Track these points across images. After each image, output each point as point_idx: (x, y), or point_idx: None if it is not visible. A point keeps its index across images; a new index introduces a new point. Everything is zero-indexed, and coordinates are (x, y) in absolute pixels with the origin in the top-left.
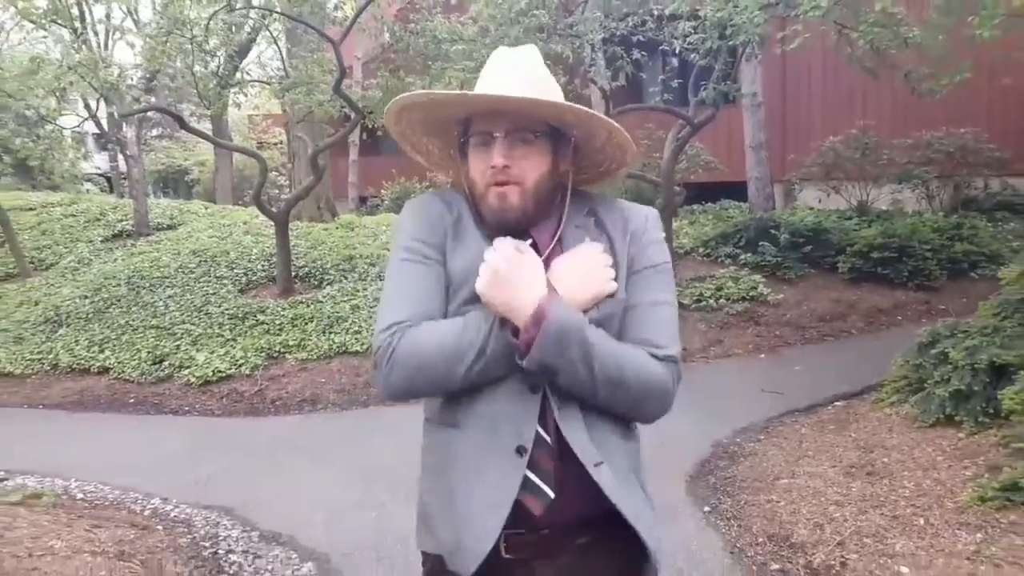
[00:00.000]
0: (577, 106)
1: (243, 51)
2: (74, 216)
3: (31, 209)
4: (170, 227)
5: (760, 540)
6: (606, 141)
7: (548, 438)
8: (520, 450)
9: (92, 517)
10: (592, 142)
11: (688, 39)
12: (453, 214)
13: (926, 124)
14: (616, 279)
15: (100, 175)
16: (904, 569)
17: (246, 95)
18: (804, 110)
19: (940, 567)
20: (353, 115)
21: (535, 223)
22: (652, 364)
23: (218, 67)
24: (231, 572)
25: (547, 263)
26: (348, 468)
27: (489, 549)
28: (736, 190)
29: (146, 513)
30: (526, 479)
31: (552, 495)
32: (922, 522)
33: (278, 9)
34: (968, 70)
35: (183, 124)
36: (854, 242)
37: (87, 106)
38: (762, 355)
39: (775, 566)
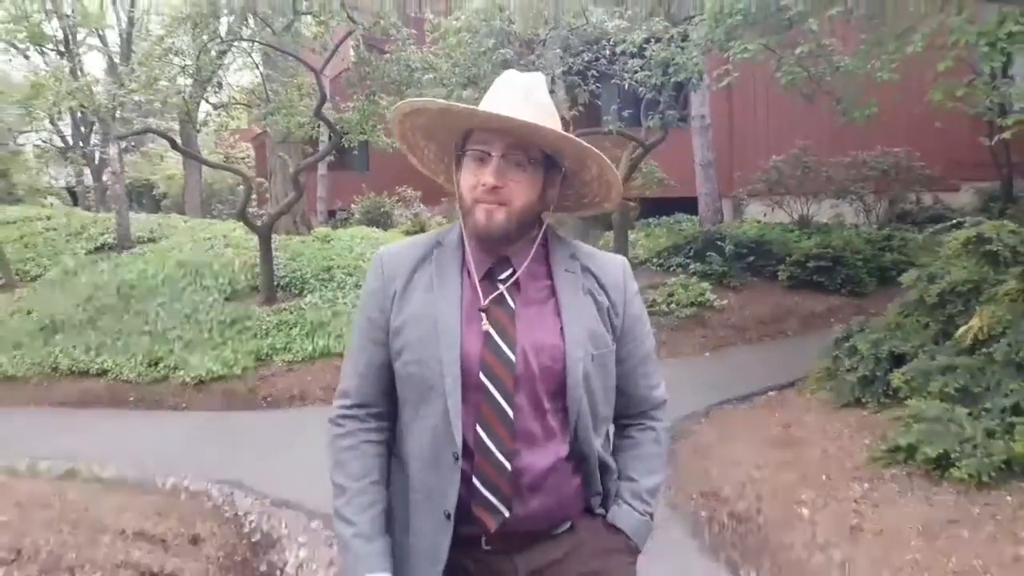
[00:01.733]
0: (576, 139)
1: (206, 80)
2: (55, 230)
3: (12, 222)
4: (151, 240)
5: (694, 497)
6: (596, 176)
7: (504, 460)
8: (447, 515)
9: (123, 490)
10: (582, 175)
11: (635, 75)
12: (423, 266)
13: (862, 144)
14: (608, 325)
15: (64, 189)
16: (804, 511)
17: (232, 117)
18: (750, 131)
19: (832, 508)
20: (331, 134)
21: (513, 244)
22: (664, 439)
23: (205, 91)
24: (252, 528)
25: (531, 299)
26: None
27: None
28: (688, 205)
29: (168, 487)
30: (483, 498)
31: (506, 515)
32: (824, 478)
33: (266, 42)
34: (875, 106)
35: (174, 145)
36: (793, 253)
37: (52, 121)
38: (707, 354)
39: (704, 514)
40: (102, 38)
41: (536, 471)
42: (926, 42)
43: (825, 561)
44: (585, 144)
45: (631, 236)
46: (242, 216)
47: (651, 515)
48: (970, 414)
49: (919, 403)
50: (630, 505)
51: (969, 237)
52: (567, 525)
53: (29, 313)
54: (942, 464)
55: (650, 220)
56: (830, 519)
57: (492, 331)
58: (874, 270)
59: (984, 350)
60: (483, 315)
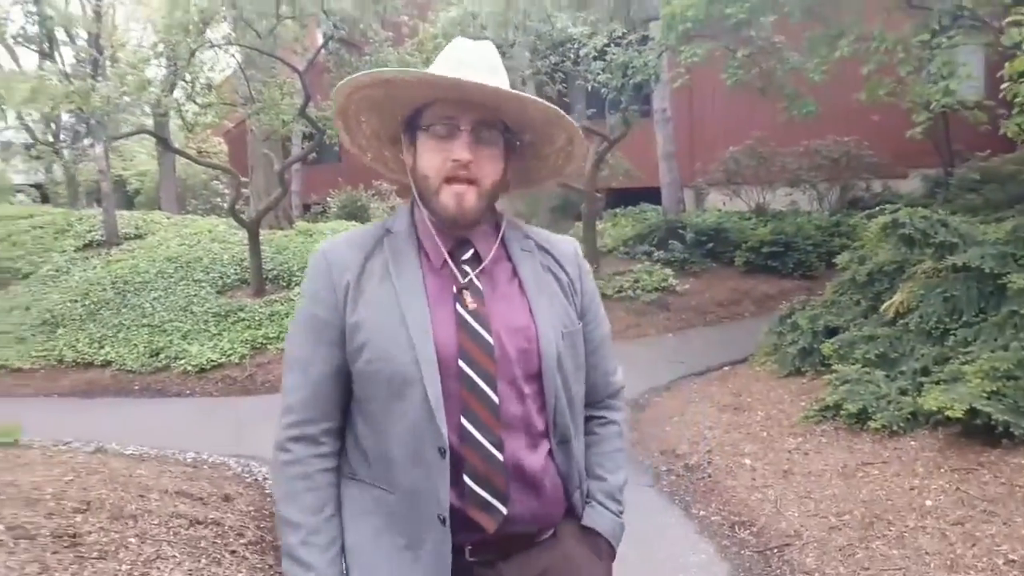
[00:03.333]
0: (554, 107)
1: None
2: (42, 228)
3: None
4: (138, 236)
5: (654, 454)
6: (559, 148)
7: (494, 451)
8: (441, 519)
9: (151, 462)
10: (543, 148)
11: (598, 77)
12: (374, 255)
13: (815, 134)
14: (572, 303)
15: (31, 186)
16: (747, 461)
17: (218, 117)
18: (709, 123)
19: (771, 457)
20: (311, 131)
21: (476, 229)
22: (624, 431)
23: (192, 91)
24: (270, 490)
25: (496, 279)
26: None
27: None
28: (653, 195)
29: (189, 460)
30: (478, 497)
31: (504, 512)
32: (765, 435)
33: (250, 45)
34: (812, 104)
35: (167, 145)
36: (749, 240)
37: (19, 117)
38: (670, 335)
39: (663, 468)
40: (71, 36)
41: (523, 462)
42: (851, 48)
43: (761, 498)
44: (564, 114)
45: (599, 226)
46: (231, 211)
47: (621, 513)
48: (887, 376)
49: (844, 368)
50: (604, 506)
51: (886, 223)
52: (550, 532)
53: (27, 309)
54: (861, 418)
55: (616, 210)
56: (768, 467)
57: (467, 315)
58: (823, 254)
59: (902, 321)
60: (458, 299)
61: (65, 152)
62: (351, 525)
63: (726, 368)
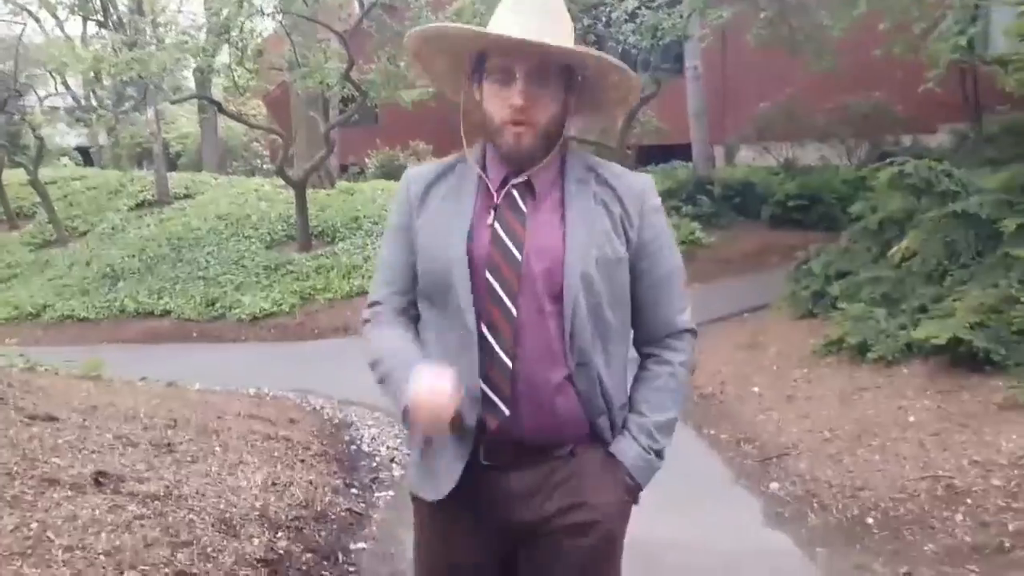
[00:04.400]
0: (599, 53)
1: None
2: (95, 188)
3: (52, 182)
4: (187, 196)
5: None
6: (615, 83)
7: (506, 359)
8: (472, 396)
9: (219, 394)
10: (601, 81)
11: (628, 39)
12: (446, 177)
13: (847, 90)
14: (621, 235)
15: (76, 149)
16: (756, 389)
17: (265, 82)
18: (741, 80)
19: (778, 385)
20: (354, 94)
21: (537, 163)
22: (681, 374)
23: (242, 57)
24: (328, 416)
25: (542, 205)
26: None
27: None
28: (684, 151)
29: (252, 394)
30: (486, 397)
31: (507, 412)
32: (775, 368)
33: (298, 12)
34: (831, 58)
35: (221, 109)
36: (776, 194)
37: (64, 83)
38: (697, 284)
39: None
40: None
41: (535, 377)
42: (870, 5)
43: (765, 419)
44: (604, 55)
45: None
46: (280, 171)
47: (658, 453)
48: (889, 313)
49: (850, 307)
50: (635, 439)
51: (893, 174)
52: (567, 449)
53: (88, 264)
54: (861, 350)
55: (648, 167)
56: (774, 394)
57: (501, 231)
58: (848, 208)
59: (906, 265)
60: (498, 218)
61: (111, 116)
62: None
63: (747, 314)
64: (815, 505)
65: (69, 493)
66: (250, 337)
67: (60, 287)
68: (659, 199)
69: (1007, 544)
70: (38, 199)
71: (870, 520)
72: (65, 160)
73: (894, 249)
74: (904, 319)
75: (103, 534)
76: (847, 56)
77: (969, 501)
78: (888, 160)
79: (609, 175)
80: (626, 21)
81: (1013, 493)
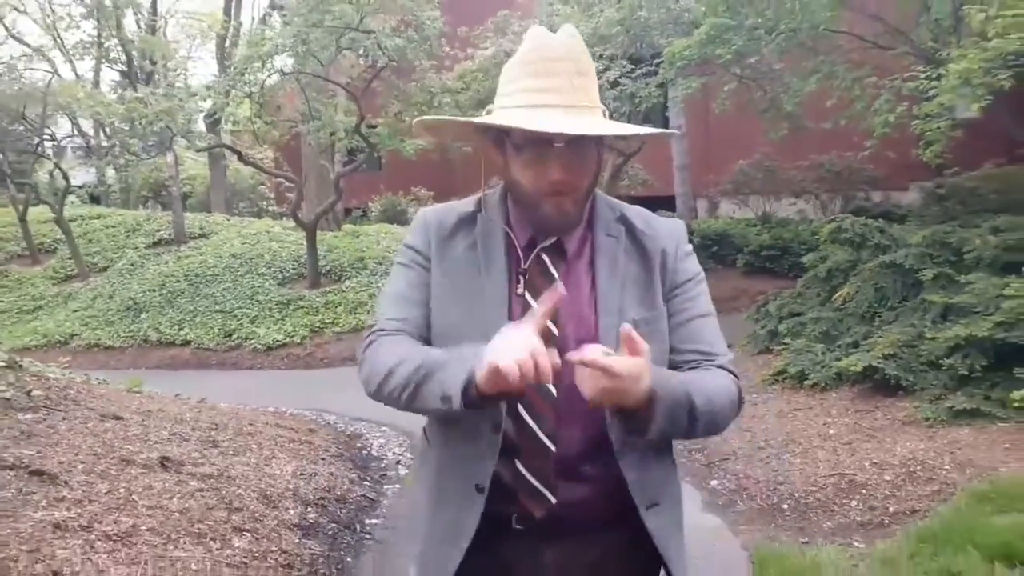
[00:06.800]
0: (647, 130)
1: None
2: (114, 227)
3: (72, 220)
4: (202, 236)
5: None
6: (645, 135)
7: (548, 442)
8: (479, 488)
9: (245, 411)
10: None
11: (610, 105)
12: (467, 228)
13: (821, 149)
14: (654, 290)
15: (80, 188)
16: None
17: (281, 133)
18: (725, 135)
19: None
20: (362, 146)
21: (575, 227)
22: (728, 382)
23: (260, 111)
24: (341, 429)
25: (573, 267)
26: None
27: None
28: (668, 203)
29: (272, 411)
30: (527, 483)
31: (553, 501)
32: None
33: (316, 73)
34: (796, 122)
35: (241, 157)
36: (750, 244)
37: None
38: None
39: None
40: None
41: (579, 454)
42: (820, 84)
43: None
44: (656, 131)
45: None
46: (293, 215)
47: (690, 412)
48: (827, 348)
49: (795, 343)
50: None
51: (832, 228)
52: (604, 525)
53: (111, 297)
54: (800, 378)
55: None
56: None
57: (532, 301)
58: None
59: (844, 307)
60: (520, 279)
61: (136, 159)
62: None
63: None
64: (744, 496)
65: (143, 471)
66: (265, 365)
67: (85, 318)
68: (690, 245)
69: (886, 521)
70: (59, 235)
71: (785, 506)
72: (72, 198)
73: (838, 294)
74: (839, 352)
75: (174, 499)
76: (821, 116)
77: (864, 491)
78: (831, 218)
79: (640, 223)
80: (608, 88)
81: (899, 485)
